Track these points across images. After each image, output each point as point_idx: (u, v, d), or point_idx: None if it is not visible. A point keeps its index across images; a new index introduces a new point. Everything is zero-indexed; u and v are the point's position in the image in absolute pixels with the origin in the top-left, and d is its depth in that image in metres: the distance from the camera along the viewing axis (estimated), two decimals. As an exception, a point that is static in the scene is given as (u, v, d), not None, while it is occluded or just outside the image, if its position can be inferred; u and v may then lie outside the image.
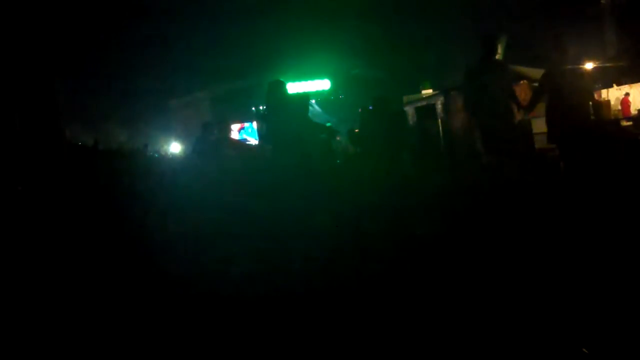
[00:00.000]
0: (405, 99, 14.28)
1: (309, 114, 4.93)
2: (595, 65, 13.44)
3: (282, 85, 4.65)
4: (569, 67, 4.57)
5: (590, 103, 4.59)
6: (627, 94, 13.39)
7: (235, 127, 21.62)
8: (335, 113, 22.86)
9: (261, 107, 20.57)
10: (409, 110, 13.05)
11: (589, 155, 4.34)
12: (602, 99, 13.72)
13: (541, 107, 4.75)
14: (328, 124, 7.25)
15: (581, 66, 4.67)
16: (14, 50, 7.15)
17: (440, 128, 11.88)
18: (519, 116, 4.71)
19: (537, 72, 10.66)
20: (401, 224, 4.42)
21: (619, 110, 13.33)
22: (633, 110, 12.87)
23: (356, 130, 7.66)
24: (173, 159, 16.51)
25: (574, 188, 4.33)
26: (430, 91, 14.48)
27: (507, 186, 4.32)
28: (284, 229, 4.06)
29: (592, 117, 4.58)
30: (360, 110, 6.86)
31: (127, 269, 3.80)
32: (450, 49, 17.49)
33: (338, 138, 8.94)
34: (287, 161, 4.37)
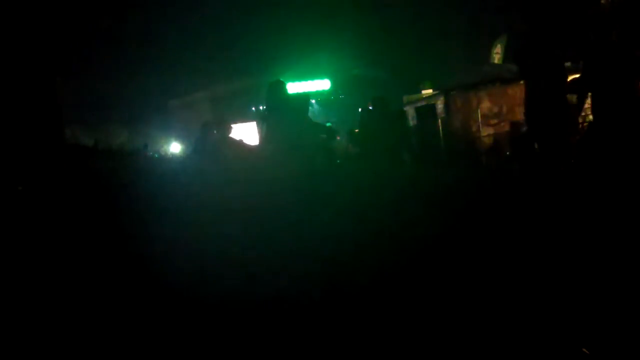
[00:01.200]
0: (405, 99, 14.29)
1: (309, 114, 4.95)
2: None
3: (282, 86, 4.67)
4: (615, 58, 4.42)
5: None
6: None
7: (235, 126, 21.57)
8: (335, 113, 22.85)
9: (261, 107, 20.58)
10: (409, 110, 13.05)
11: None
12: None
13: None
14: (328, 124, 7.26)
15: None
16: (14, 50, 7.15)
17: (440, 128, 11.89)
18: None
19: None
20: (401, 224, 4.42)
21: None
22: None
23: (356, 130, 7.67)
24: (173, 159, 16.50)
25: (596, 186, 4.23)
26: (430, 91, 14.49)
27: (510, 186, 4.32)
28: (284, 229, 4.06)
29: None
30: (360, 110, 6.87)
31: (126, 270, 3.80)
32: (450, 48, 17.48)
33: (338, 138, 8.95)
34: (287, 161, 4.37)
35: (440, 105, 12.12)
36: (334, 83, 25.54)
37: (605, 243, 3.10)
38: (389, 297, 2.73)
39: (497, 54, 16.54)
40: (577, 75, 4.70)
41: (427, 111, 12.65)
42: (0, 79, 7.18)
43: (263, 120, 8.06)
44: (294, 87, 22.40)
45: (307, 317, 2.53)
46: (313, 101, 22.54)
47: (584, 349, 1.94)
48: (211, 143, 6.94)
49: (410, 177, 6.35)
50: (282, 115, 4.52)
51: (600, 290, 2.45)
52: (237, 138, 7.55)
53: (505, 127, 10.95)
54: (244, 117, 22.58)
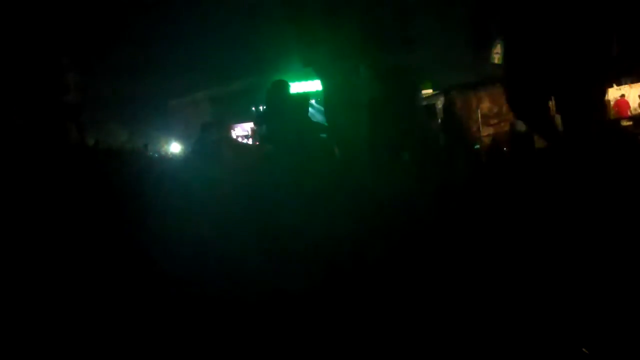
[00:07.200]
0: (405, 98, 14.27)
1: (309, 114, 4.95)
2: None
3: (285, 85, 4.69)
4: None
5: None
6: (623, 95, 13.41)
7: (235, 126, 21.65)
8: (335, 113, 22.79)
9: (261, 107, 20.56)
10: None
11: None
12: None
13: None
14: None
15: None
16: (18, 50, 7.15)
17: (441, 128, 11.90)
18: None
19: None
20: (401, 223, 4.42)
21: (617, 110, 13.38)
22: (633, 111, 12.90)
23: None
24: (173, 159, 16.51)
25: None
26: (430, 91, 14.50)
27: (506, 185, 4.32)
28: (283, 229, 4.06)
29: None
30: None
31: (127, 270, 3.80)
32: (450, 48, 17.49)
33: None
34: (287, 161, 4.37)
35: (440, 105, 12.14)
36: (334, 83, 25.49)
37: (606, 241, 3.10)
38: (389, 296, 2.73)
39: (497, 54, 16.50)
40: None
41: (427, 111, 12.65)
42: (3, 78, 7.18)
43: (263, 120, 8.05)
44: (294, 87, 22.36)
45: (306, 316, 2.53)
46: (313, 101, 22.53)
47: (584, 349, 1.94)
48: (211, 143, 6.94)
49: (410, 177, 6.35)
50: (282, 114, 4.53)
51: (601, 290, 2.45)
52: (237, 138, 7.55)
53: (505, 127, 10.97)
54: (244, 117, 22.60)
